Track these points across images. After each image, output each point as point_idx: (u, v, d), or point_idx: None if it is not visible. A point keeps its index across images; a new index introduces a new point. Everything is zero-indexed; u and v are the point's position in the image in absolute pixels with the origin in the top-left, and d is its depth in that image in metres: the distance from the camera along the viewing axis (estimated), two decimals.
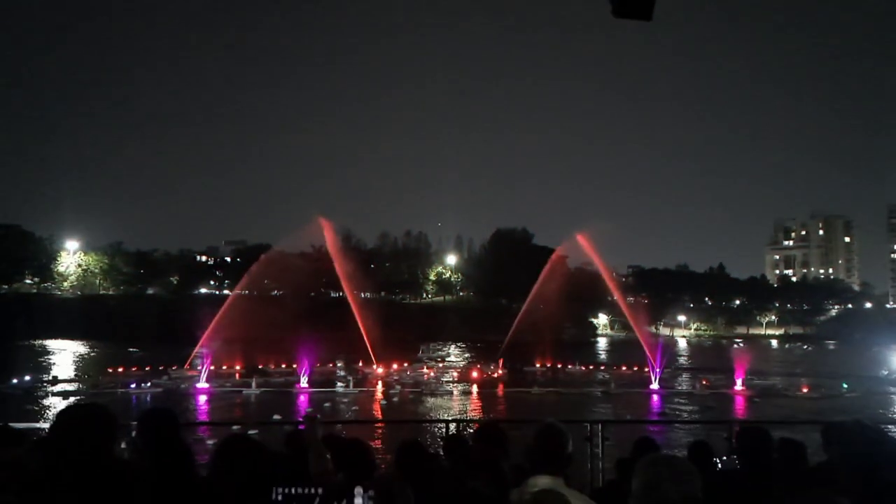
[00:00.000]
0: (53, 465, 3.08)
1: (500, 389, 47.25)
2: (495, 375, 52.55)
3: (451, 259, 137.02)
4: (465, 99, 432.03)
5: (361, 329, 56.21)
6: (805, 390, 45.38)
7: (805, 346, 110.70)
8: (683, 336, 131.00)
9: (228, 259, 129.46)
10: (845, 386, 46.28)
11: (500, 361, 56.41)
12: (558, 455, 3.56)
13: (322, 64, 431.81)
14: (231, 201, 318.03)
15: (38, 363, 56.50)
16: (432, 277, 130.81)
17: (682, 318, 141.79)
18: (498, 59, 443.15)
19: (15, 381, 41.48)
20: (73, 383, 44.97)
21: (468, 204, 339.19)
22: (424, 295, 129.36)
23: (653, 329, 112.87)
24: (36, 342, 76.83)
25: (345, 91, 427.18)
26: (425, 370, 54.57)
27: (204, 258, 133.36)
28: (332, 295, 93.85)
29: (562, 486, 3.34)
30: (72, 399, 35.95)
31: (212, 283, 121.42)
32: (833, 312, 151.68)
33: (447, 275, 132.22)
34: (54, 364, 57.68)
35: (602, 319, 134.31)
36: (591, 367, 59.16)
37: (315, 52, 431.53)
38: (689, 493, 2.54)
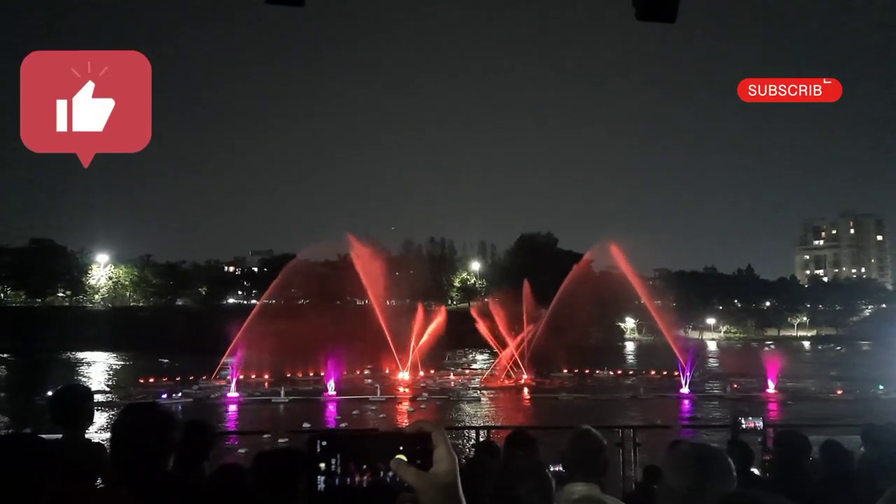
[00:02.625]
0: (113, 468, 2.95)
1: (527, 395, 47.05)
2: (521, 381, 52.35)
3: (476, 265, 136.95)
4: (484, 103, 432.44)
5: (388, 337, 56.41)
6: (839, 392, 44.49)
7: (838, 348, 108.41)
8: (713, 339, 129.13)
9: (255, 269, 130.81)
10: (881, 387, 45.24)
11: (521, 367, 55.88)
12: (594, 462, 3.54)
13: (344, 72, 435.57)
14: (256, 212, 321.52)
15: (72, 375, 57.53)
16: (457, 284, 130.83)
17: (711, 320, 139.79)
18: (521, 61, 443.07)
19: (50, 392, 42.28)
20: (105, 394, 45.71)
21: (492, 209, 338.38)
22: (449, 301, 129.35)
23: (682, 332, 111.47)
24: (69, 354, 78.28)
25: (367, 99, 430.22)
26: (451, 377, 54.62)
27: (231, 268, 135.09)
28: (358, 303, 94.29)
29: (598, 493, 3.33)
30: (111, 410, 36.37)
31: (239, 293, 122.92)
32: (866, 313, 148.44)
33: (472, 281, 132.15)
34: (87, 375, 58.72)
35: (629, 323, 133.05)
36: (619, 372, 58.57)
37: (337, 61, 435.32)
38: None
